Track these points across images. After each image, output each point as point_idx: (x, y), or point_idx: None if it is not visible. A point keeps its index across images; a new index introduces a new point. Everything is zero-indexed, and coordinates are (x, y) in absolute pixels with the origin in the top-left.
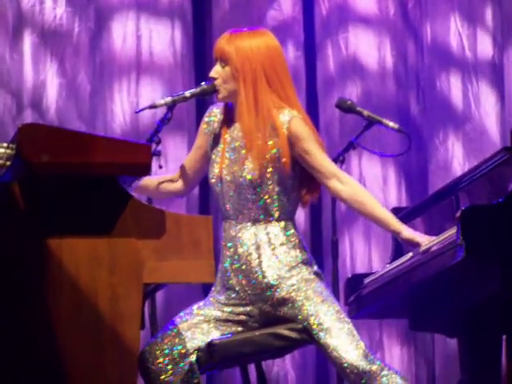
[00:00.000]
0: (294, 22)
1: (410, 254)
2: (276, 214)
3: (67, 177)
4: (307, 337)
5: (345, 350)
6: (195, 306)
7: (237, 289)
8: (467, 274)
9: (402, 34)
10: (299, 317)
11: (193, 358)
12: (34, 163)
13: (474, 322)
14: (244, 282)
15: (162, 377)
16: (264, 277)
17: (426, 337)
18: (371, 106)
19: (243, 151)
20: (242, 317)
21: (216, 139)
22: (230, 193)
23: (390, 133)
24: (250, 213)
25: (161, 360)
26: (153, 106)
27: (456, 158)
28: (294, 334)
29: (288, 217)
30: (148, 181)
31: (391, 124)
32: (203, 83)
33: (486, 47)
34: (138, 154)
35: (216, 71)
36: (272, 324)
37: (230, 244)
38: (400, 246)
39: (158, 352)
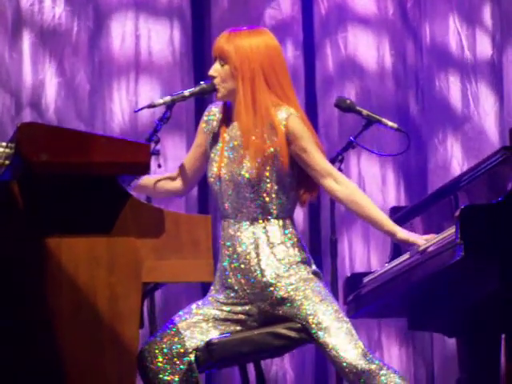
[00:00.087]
0: (293, 22)
1: (409, 253)
2: (275, 213)
3: (66, 176)
4: (306, 336)
5: (343, 349)
6: (194, 305)
7: (236, 288)
8: (466, 273)
9: (401, 33)
10: (298, 316)
11: (192, 357)
12: (32, 162)
13: (472, 322)
14: (243, 281)
15: (161, 376)
16: (263, 276)
17: (424, 336)
18: (370, 106)
19: (242, 150)
20: (241, 316)
21: (215, 138)
22: (229, 192)
23: (389, 132)
24: (248, 211)
25: (160, 359)
26: (152, 106)
27: (455, 157)
28: (292, 334)
29: (287, 215)
30: (147, 180)
31: (390, 123)
32: (202, 82)
33: (484, 47)
34: (137, 153)
35: (215, 70)
36: (271, 323)
37: (228, 243)
38: (399, 246)
39: (156, 351)
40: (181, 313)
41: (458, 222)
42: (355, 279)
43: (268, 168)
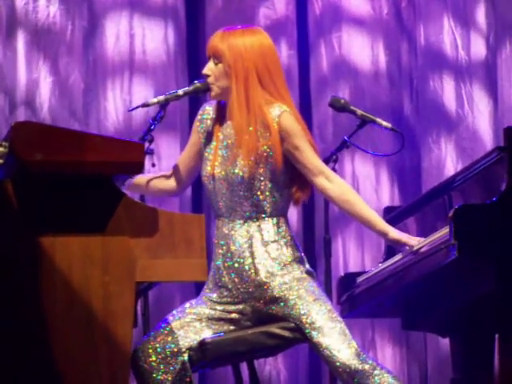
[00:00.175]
0: (288, 21)
1: (402, 254)
2: (268, 211)
3: (60, 175)
4: (300, 335)
5: (337, 349)
6: (187, 305)
7: (229, 287)
8: (460, 273)
9: (395, 33)
10: (291, 316)
11: (185, 356)
12: (27, 161)
13: (466, 322)
14: (237, 279)
15: (154, 375)
16: (257, 274)
17: (418, 337)
18: (364, 106)
19: (235, 148)
20: (235, 315)
21: (209, 137)
22: (223, 190)
23: (383, 132)
24: (242, 210)
25: (153, 358)
26: (146, 105)
27: (449, 157)
28: (286, 333)
29: (280, 213)
30: (141, 179)
31: (384, 123)
32: (196, 81)
33: (479, 47)
34: (131, 152)
35: (209, 68)
36: (265, 323)
37: (222, 242)
38: (392, 246)
39: (150, 350)
40: (174, 312)
41: (451, 222)
42: (349, 279)
43: (261, 166)
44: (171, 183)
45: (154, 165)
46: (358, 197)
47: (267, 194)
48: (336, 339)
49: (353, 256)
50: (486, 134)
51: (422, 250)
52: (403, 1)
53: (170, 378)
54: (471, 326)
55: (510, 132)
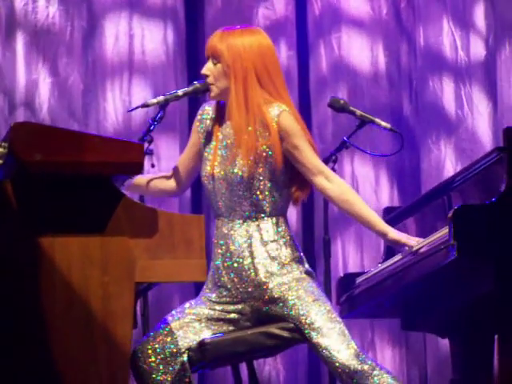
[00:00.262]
0: (287, 22)
1: (401, 254)
2: (267, 210)
3: (60, 175)
4: (299, 336)
5: (336, 349)
6: (187, 305)
7: (228, 286)
8: (459, 273)
9: (394, 34)
10: (291, 316)
11: (184, 357)
12: (26, 162)
13: (466, 322)
14: (236, 279)
15: (154, 376)
16: (256, 274)
17: (417, 337)
18: (364, 107)
19: (235, 148)
20: (234, 315)
21: (209, 137)
22: (222, 190)
23: (382, 132)
24: (241, 210)
25: (153, 359)
26: (145, 105)
27: (448, 158)
28: (285, 333)
29: (280, 213)
30: (141, 179)
31: (384, 123)
32: (196, 82)
33: (478, 48)
34: (131, 152)
35: (208, 68)
36: (264, 323)
37: (222, 242)
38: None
39: (149, 351)
40: (174, 312)
41: (451, 222)
42: (348, 279)
43: (261, 165)
44: (171, 184)
45: (153, 165)
46: (357, 197)
47: (266, 193)
48: (335, 340)
49: (352, 256)
50: (486, 135)
51: (422, 250)
52: (402, 1)
53: (169, 379)
54: (471, 326)
55: (509, 132)
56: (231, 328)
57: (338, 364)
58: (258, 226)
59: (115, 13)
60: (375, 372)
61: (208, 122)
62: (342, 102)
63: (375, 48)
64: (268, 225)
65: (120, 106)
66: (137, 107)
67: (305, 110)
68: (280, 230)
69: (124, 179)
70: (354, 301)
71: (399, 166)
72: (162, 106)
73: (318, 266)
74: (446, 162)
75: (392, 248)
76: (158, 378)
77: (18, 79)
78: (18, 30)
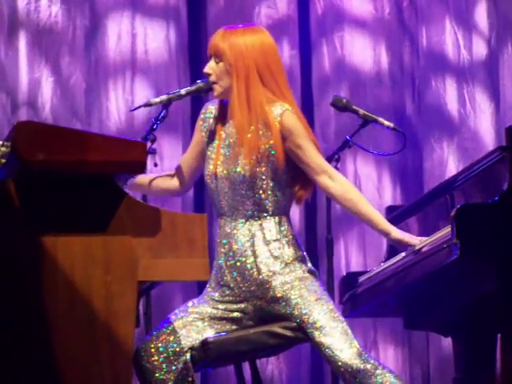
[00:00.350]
0: (289, 21)
1: (404, 253)
2: (270, 210)
3: (62, 174)
4: (302, 335)
5: (339, 348)
6: (190, 304)
7: (231, 285)
8: (462, 272)
9: (397, 33)
10: (293, 315)
11: (187, 356)
12: (29, 161)
13: (469, 321)
14: (239, 278)
15: (157, 375)
16: (259, 273)
17: (420, 337)
18: (366, 106)
19: (237, 147)
20: (237, 314)
21: (212, 136)
22: (225, 189)
23: (385, 132)
24: (244, 209)
25: (155, 358)
26: (148, 104)
27: (451, 157)
28: (288, 333)
29: (282, 212)
30: (144, 178)
31: (386, 123)
32: (199, 81)
33: (480, 47)
34: (133, 151)
35: (210, 67)
36: (267, 322)
37: (224, 241)
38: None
39: (152, 350)
40: (177, 311)
41: (453, 221)
42: (351, 278)
43: (263, 165)
44: (174, 183)
45: (156, 164)
46: (360, 195)
47: (269, 192)
48: (338, 339)
49: (355, 255)
50: (488, 134)
51: (424, 249)
52: (405, 1)
53: (172, 378)
54: (473, 325)
55: (511, 131)
56: (234, 327)
57: (340, 363)
58: (261, 225)
59: (118, 12)
60: (378, 371)
61: (211, 120)
62: (344, 101)
63: (378, 47)
64: (271, 224)
65: (123, 105)
66: (139, 106)
67: (307, 110)
68: (283, 229)
69: (127, 178)
70: (356, 300)
71: (402, 165)
72: (165, 105)
73: (321, 265)
74: (449, 161)
75: (395, 247)
76: (161, 376)
77: (20, 78)
78: (21, 29)
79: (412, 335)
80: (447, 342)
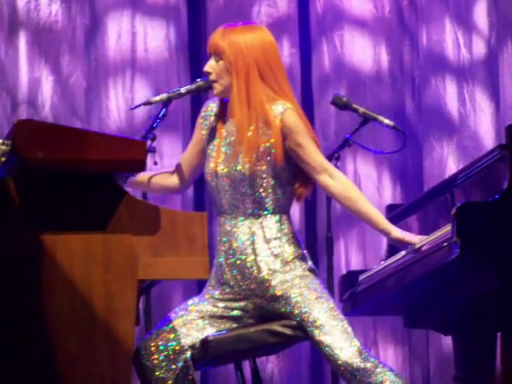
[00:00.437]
0: (289, 20)
1: (404, 252)
2: (271, 208)
3: (62, 173)
4: (302, 333)
5: (339, 347)
6: (190, 302)
7: (231, 283)
8: (462, 271)
9: (397, 32)
10: (293, 313)
11: (187, 354)
12: (28, 159)
13: (469, 319)
14: (239, 276)
15: (157, 373)
16: (259, 271)
17: (420, 336)
18: (366, 104)
19: (238, 146)
20: (237, 312)
21: (212, 134)
22: (226, 187)
23: (385, 130)
24: (245, 207)
25: (156, 356)
26: (148, 103)
27: (451, 156)
28: (288, 331)
29: (283, 210)
30: (144, 176)
31: (386, 121)
32: (199, 80)
33: (480, 46)
34: (133, 150)
35: (210, 65)
36: (267, 320)
37: (225, 239)
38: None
39: (152, 348)
40: (177, 309)
41: (454, 219)
42: (351, 277)
43: (264, 163)
44: (174, 180)
45: (156, 163)
46: (360, 194)
47: (270, 191)
48: (338, 337)
49: (355, 254)
50: (488, 133)
51: (424, 247)
52: (405, 0)
53: (172, 376)
54: (473, 323)
55: (511, 130)
56: (234, 325)
57: (340, 362)
58: (261, 223)
59: (118, 11)
60: (378, 369)
61: (212, 118)
62: (344, 99)
63: (378, 46)
64: (271, 222)
65: (122, 103)
66: (139, 105)
67: (307, 108)
68: (283, 227)
69: (127, 177)
70: (356, 298)
71: (402, 164)
72: (165, 103)
73: (321, 263)
74: (449, 160)
75: (395, 246)
76: (161, 375)
77: (20, 77)
78: (21, 27)
79: (412, 334)
80: (447, 341)
